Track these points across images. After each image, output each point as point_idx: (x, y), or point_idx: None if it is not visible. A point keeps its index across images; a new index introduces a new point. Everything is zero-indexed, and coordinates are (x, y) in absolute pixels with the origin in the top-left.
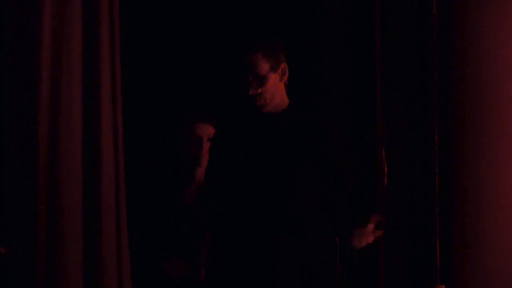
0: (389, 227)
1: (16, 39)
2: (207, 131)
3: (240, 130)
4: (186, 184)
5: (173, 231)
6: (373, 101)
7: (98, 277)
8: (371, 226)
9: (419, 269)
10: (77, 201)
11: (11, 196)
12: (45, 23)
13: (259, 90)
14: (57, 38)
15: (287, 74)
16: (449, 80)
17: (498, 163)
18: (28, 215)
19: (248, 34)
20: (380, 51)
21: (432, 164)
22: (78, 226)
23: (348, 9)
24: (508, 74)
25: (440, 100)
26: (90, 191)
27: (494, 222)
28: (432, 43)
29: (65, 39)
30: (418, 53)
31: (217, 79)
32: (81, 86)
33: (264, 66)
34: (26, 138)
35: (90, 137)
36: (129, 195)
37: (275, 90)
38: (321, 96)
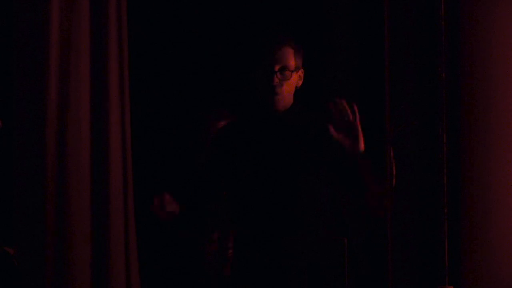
0: (398, 227)
1: (24, 38)
2: None
3: (245, 128)
4: None
5: (187, 230)
6: (382, 101)
7: (106, 278)
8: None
9: (428, 269)
10: (85, 202)
11: (20, 197)
12: (53, 22)
13: (283, 84)
14: (65, 38)
15: (302, 81)
16: (457, 80)
17: (507, 163)
18: (36, 216)
19: (278, 32)
20: (389, 51)
21: (440, 164)
22: (86, 227)
23: (356, 8)
24: None
25: (448, 100)
26: (99, 191)
27: (503, 223)
28: (440, 43)
29: (73, 38)
30: (426, 52)
31: (226, 75)
32: (89, 86)
33: (292, 62)
34: (35, 139)
35: (98, 138)
36: (139, 195)
37: (292, 89)
38: (329, 96)
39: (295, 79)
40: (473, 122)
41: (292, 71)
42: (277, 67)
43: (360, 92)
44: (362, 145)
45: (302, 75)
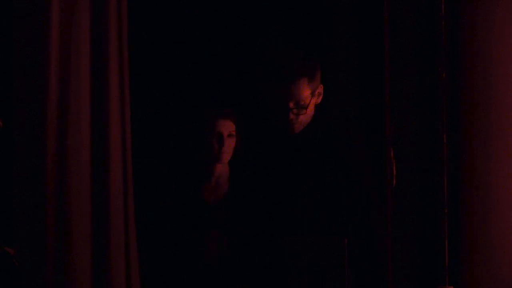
0: (398, 227)
1: (24, 38)
2: (228, 127)
3: (266, 143)
4: (206, 180)
5: (187, 229)
6: (382, 101)
7: (106, 279)
8: None
9: (428, 269)
10: (85, 202)
11: (20, 197)
12: (54, 23)
13: (299, 118)
14: (65, 38)
15: (322, 96)
16: (457, 80)
17: (507, 163)
18: (37, 216)
19: (290, 57)
20: (389, 51)
21: (440, 164)
22: (87, 227)
23: (356, 8)
24: None
25: (448, 100)
26: (99, 191)
27: (503, 223)
28: (440, 43)
29: (73, 39)
30: (426, 52)
31: (245, 81)
32: (89, 86)
33: (307, 94)
34: (35, 139)
35: (98, 138)
36: (141, 195)
37: (311, 110)
38: (330, 97)
39: (313, 102)
40: (473, 122)
41: (308, 103)
42: (291, 104)
43: (360, 92)
44: None
45: (321, 91)
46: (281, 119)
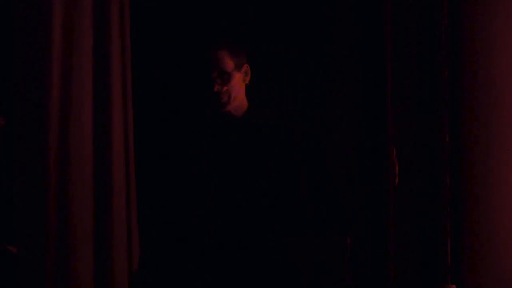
0: (400, 226)
1: (27, 37)
2: None
3: (201, 132)
4: None
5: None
6: (384, 101)
7: (108, 277)
8: None
9: (430, 268)
10: (87, 201)
11: (21, 196)
12: (56, 20)
13: (224, 88)
14: (67, 36)
15: (249, 76)
16: (459, 80)
17: (509, 162)
18: (38, 215)
19: (214, 33)
20: (391, 51)
21: (442, 163)
22: (89, 226)
23: (358, 6)
24: None
25: (450, 99)
26: (101, 190)
27: (505, 222)
28: (442, 42)
29: (76, 37)
30: (428, 52)
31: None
32: (91, 85)
33: (229, 63)
34: (36, 138)
35: (100, 137)
36: (143, 192)
37: (239, 89)
38: (331, 97)
39: (237, 79)
40: (475, 122)
41: (230, 73)
42: (214, 73)
43: (362, 92)
44: None
45: (248, 70)
46: (207, 93)
